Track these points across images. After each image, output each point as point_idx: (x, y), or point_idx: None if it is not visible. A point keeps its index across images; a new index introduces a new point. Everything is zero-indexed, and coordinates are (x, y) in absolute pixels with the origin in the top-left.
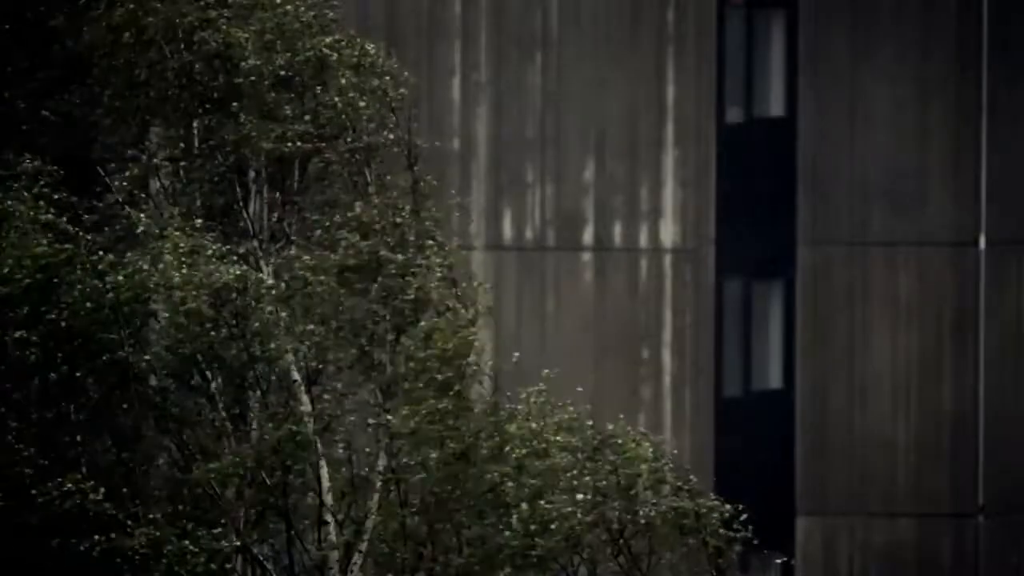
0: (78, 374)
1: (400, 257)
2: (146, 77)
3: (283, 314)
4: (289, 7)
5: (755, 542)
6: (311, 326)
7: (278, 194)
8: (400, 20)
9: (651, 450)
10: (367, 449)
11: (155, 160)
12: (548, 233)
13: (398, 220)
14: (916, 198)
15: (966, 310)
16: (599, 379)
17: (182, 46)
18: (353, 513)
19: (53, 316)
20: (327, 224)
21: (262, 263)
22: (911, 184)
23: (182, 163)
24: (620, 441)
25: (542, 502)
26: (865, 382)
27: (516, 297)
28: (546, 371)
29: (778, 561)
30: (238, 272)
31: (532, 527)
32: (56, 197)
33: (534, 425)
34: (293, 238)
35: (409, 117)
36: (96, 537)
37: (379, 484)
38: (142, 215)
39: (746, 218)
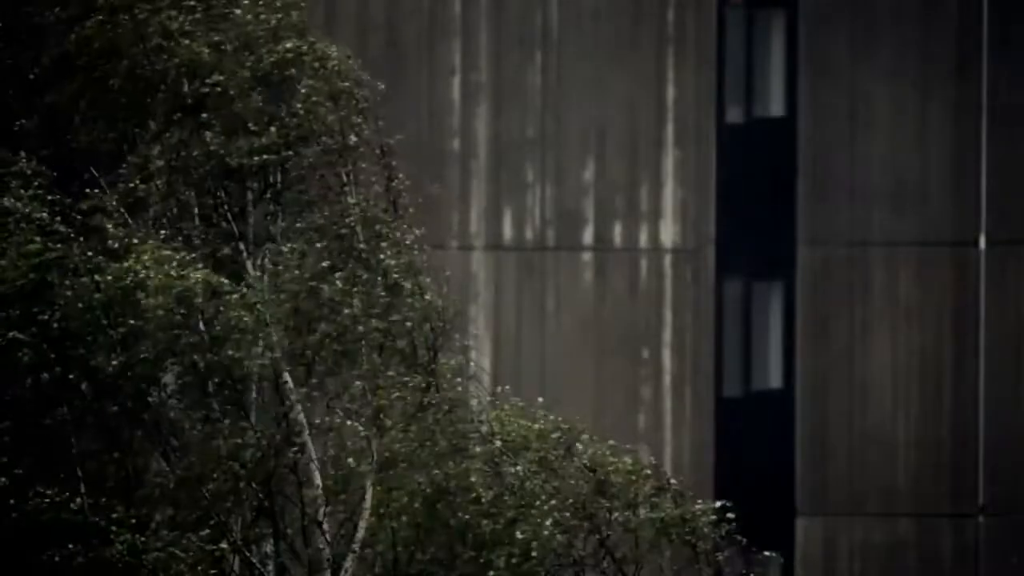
0: (71, 376)
1: (338, 284)
2: (119, 85)
3: (246, 319)
4: (249, 16)
5: (744, 542)
6: (284, 334)
7: (263, 195)
8: (400, 20)
9: (630, 463)
10: (349, 460)
11: (128, 182)
12: (548, 233)
13: (343, 231)
14: (916, 198)
15: (966, 310)
16: (599, 379)
17: (151, 56)
18: (344, 513)
19: (46, 317)
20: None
21: (248, 264)
22: (911, 184)
23: (158, 169)
24: (587, 456)
25: (519, 534)
26: (865, 382)
27: (516, 297)
28: (504, 387)
29: (767, 555)
30: (200, 276)
31: (513, 560)
32: (49, 198)
33: (499, 443)
34: (277, 238)
35: (376, 117)
36: (72, 547)
37: (369, 483)
38: (109, 226)
39: (746, 218)
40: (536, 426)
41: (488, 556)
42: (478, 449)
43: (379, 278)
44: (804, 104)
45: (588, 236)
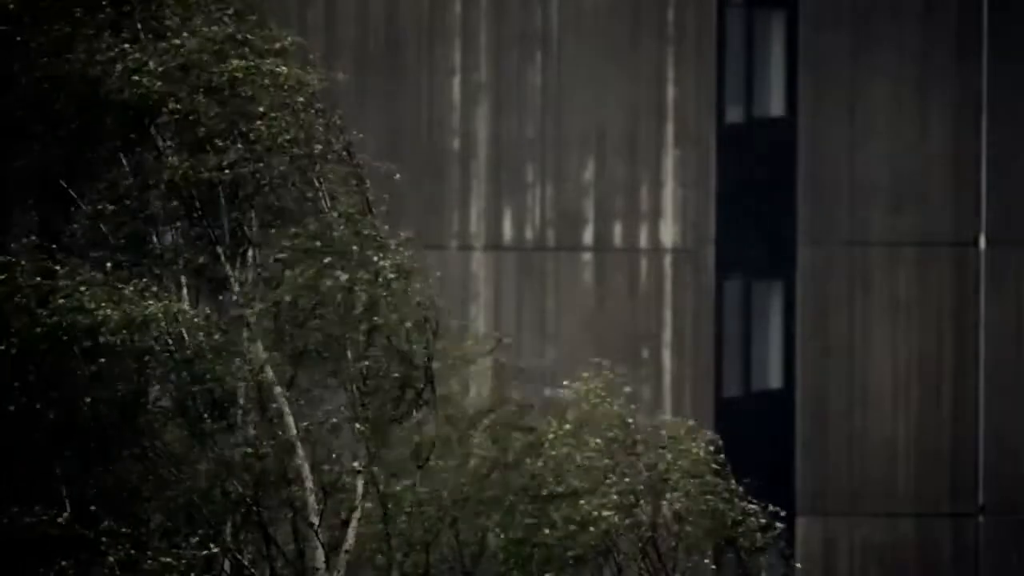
0: (38, 405)
1: (344, 276)
2: (67, 111)
3: (216, 336)
4: (194, 42)
5: (786, 548)
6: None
7: (235, 202)
8: (400, 20)
9: (701, 450)
10: (335, 455)
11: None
12: (548, 233)
13: (335, 234)
14: (916, 198)
15: (966, 310)
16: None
17: (102, 86)
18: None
19: (3, 348)
20: (278, 251)
21: (228, 267)
22: (911, 184)
23: (127, 188)
24: (671, 436)
25: (582, 502)
26: (865, 382)
27: (516, 297)
28: (598, 360)
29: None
30: (160, 305)
31: (571, 527)
32: None
33: (569, 426)
34: (257, 245)
35: (328, 125)
36: (63, 563)
37: (361, 485)
38: (56, 267)
39: (746, 218)
40: (616, 407)
41: (551, 513)
42: (550, 429)
43: (375, 279)
44: (804, 104)
45: (588, 236)
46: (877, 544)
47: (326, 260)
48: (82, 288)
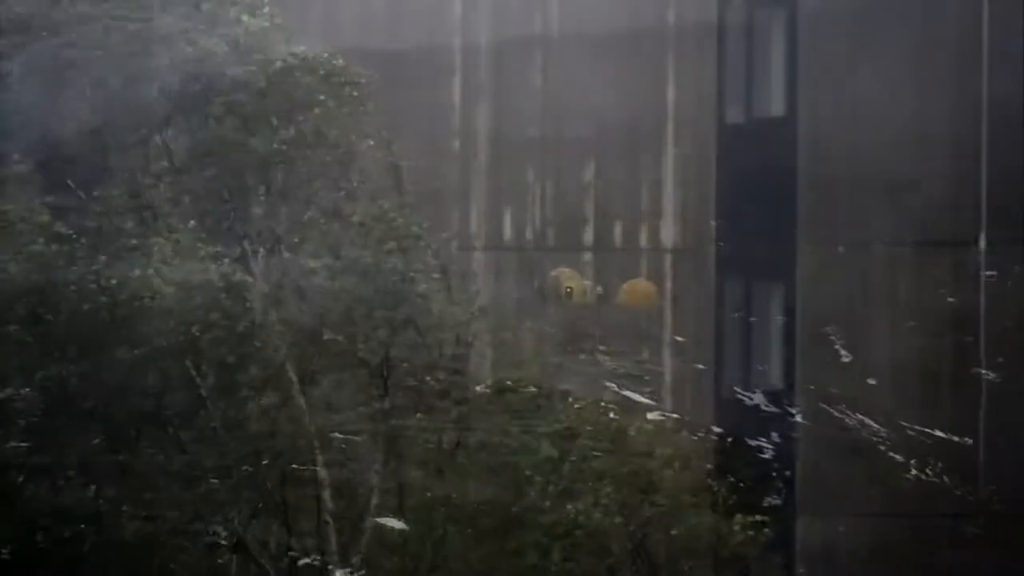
0: (64, 373)
1: (401, 263)
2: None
3: (270, 314)
4: (245, 17)
5: (779, 560)
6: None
7: (263, 195)
8: (400, 20)
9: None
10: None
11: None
12: (548, 233)
13: (387, 226)
14: (916, 198)
15: (966, 310)
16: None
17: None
18: (350, 514)
19: (50, 318)
20: (320, 230)
21: (252, 263)
22: (911, 183)
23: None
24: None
25: (568, 506)
26: (865, 382)
27: (516, 297)
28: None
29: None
30: (223, 271)
31: (558, 531)
32: (48, 200)
33: (567, 423)
34: (282, 237)
35: (378, 122)
36: (83, 526)
37: (377, 483)
38: (130, 223)
39: (746, 218)
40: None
41: (538, 518)
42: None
43: (435, 274)
44: (804, 104)
45: (588, 236)
46: (877, 544)
47: (386, 247)
48: (154, 248)
